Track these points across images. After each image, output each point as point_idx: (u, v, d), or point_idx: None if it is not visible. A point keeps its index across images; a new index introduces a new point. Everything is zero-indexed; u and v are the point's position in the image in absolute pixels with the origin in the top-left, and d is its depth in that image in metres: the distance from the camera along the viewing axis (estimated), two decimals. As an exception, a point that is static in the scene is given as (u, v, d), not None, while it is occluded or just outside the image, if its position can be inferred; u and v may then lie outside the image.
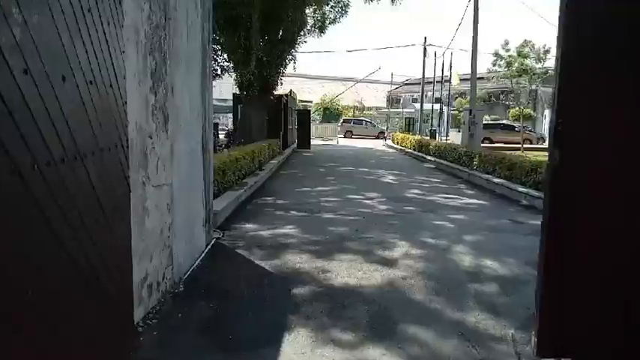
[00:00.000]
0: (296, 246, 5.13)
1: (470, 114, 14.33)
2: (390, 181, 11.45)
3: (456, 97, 44.00)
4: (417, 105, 46.16)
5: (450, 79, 30.25)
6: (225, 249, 5.01)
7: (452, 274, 4.35)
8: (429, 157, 16.59)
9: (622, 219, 2.28)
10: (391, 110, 43.03)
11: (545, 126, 43.81)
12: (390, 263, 4.56)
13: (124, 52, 2.45)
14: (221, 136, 21.69)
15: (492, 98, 50.73)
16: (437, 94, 48.83)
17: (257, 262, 4.56)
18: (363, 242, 5.37)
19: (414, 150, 20.10)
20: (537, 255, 4.85)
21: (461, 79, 32.13)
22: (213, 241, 5.14)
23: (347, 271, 4.29)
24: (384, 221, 6.57)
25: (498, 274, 4.36)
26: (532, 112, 40.68)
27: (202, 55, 4.65)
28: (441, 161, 14.85)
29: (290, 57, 18.18)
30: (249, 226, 6.09)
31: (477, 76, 50.95)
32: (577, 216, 2.39)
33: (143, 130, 2.99)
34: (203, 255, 4.61)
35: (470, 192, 9.85)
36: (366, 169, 13.69)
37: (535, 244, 5.46)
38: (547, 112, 44.78)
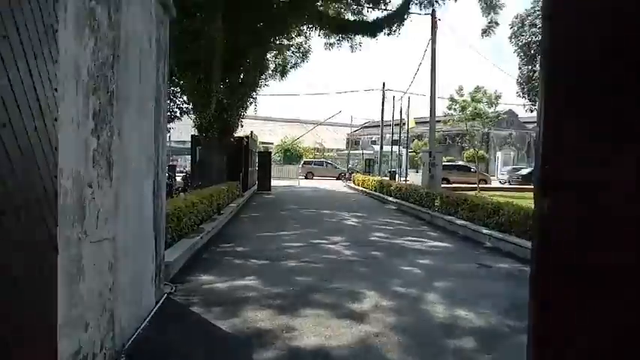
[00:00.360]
0: (257, 300, 4.72)
1: (430, 156, 14.54)
2: (353, 223, 11.23)
3: (413, 140, 45.36)
4: (376, 147, 47.10)
5: (407, 122, 31.05)
6: (178, 306, 4.53)
7: (427, 327, 4.06)
8: (390, 199, 16.59)
9: (619, 276, 2.08)
10: (351, 152, 43.59)
11: (497, 166, 45.71)
12: (360, 317, 4.23)
13: (56, 90, 2.12)
14: (178, 179, 21.01)
15: (448, 140, 52.70)
16: (395, 136, 50.19)
17: (213, 321, 4.10)
18: (330, 293, 5.02)
19: (375, 191, 20.14)
20: (510, 303, 4.65)
21: (417, 122, 33.09)
22: (163, 297, 4.65)
23: (314, 329, 3.91)
24: (350, 268, 6.26)
25: (475, 326, 4.11)
26: (485, 153, 42.45)
27: (156, 95, 4.34)
28: (403, 202, 14.86)
29: (251, 100, 18.11)
30: (204, 277, 5.62)
31: (437, 118, 52.38)
32: (568, 275, 2.16)
33: (81, 179, 2.61)
34: (151, 315, 4.11)
35: (433, 234, 9.75)
36: (328, 212, 13.45)
37: (506, 290, 5.29)
38: (499, 154, 46.86)
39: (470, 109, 26.78)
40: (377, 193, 19.30)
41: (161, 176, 4.64)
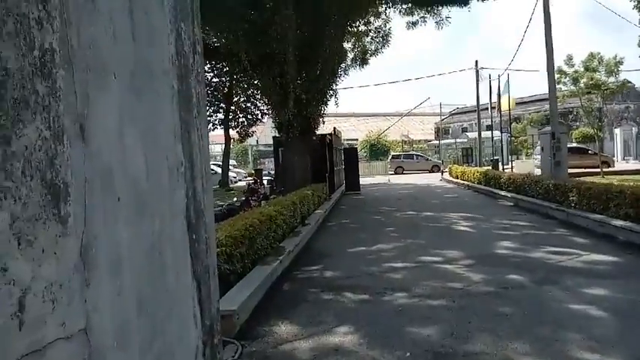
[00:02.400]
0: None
1: (552, 137, 11.81)
2: (466, 228, 9.11)
3: (511, 123, 40.86)
4: (470, 134, 43.35)
5: (509, 102, 27.46)
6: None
7: None
8: (502, 193, 14.03)
9: None
10: (442, 142, 40.40)
11: (616, 145, 39.56)
12: None
13: None
14: (265, 183, 20.13)
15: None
16: (488, 121, 45.79)
17: None
18: (470, 365, 3.15)
19: (480, 184, 17.52)
20: None
21: (517, 103, 29.39)
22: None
23: None
24: (488, 309, 4.29)
25: None
26: (598, 132, 36.92)
27: (179, 71, 2.76)
28: (520, 197, 12.29)
29: (331, 92, 16.51)
30: (283, 328, 4.03)
31: (537, 97, 47.34)
32: None
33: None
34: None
35: (581, 241, 7.34)
36: (430, 214, 11.40)
37: None
38: (617, 131, 40.50)
39: (584, 80, 22.90)
40: (483, 187, 16.70)
41: (202, 195, 3.08)
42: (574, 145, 29.66)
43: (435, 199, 15.00)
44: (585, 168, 23.87)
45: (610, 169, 25.71)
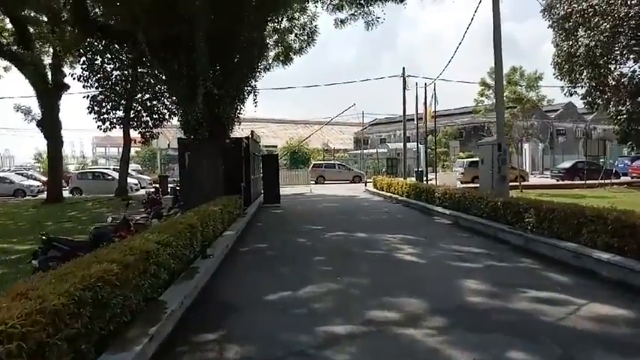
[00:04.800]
0: None
1: (499, 149, 10.57)
2: (412, 257, 7.32)
3: (427, 135, 41.35)
4: (391, 145, 43.19)
5: (426, 113, 26.92)
6: None
7: None
8: (437, 209, 12.65)
9: None
10: (364, 152, 39.59)
11: (525, 160, 41.43)
12: None
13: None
14: (173, 191, 17.20)
15: (464, 133, 48.60)
16: (408, 133, 46.03)
17: None
18: None
19: (409, 197, 16.20)
20: None
21: (435, 116, 29.06)
22: None
23: None
24: None
25: None
26: (509, 146, 38.13)
27: None
28: (460, 215, 10.92)
29: (248, 89, 14.23)
30: None
31: (450, 112, 48.40)
32: None
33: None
34: None
35: (561, 279, 5.83)
36: (364, 235, 9.56)
37: None
38: (526, 146, 42.49)
39: (506, 93, 23.00)
40: (413, 201, 15.34)
41: None
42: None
43: (364, 215, 13.28)
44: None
45: (525, 182, 26.10)
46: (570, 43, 25.82)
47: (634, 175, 29.13)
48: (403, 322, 4.29)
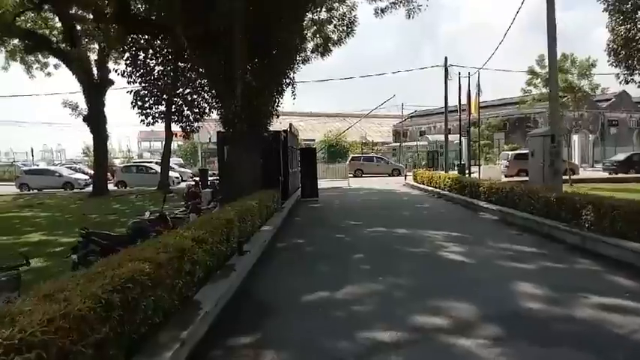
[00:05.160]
0: None
1: (552, 141, 9.87)
2: (459, 256, 6.88)
3: (469, 127, 40.03)
4: (430, 137, 42.09)
5: (470, 104, 25.90)
6: None
7: None
8: (482, 204, 12.04)
9: None
10: (403, 144, 38.77)
11: (574, 153, 39.35)
12: None
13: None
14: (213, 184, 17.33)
15: (508, 125, 46.67)
16: (450, 125, 44.60)
17: None
18: None
19: (451, 191, 15.59)
20: None
21: (481, 107, 27.89)
22: None
23: None
24: None
25: None
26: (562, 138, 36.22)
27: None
28: (508, 210, 10.31)
29: (287, 81, 14.00)
30: None
31: (493, 103, 46.68)
32: None
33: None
34: None
35: (627, 283, 5.27)
36: (405, 231, 9.18)
37: None
38: (575, 138, 40.32)
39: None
40: (456, 195, 14.74)
41: None
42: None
43: (405, 210, 12.84)
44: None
45: (575, 176, 24.71)
46: (628, 26, 24.12)
47: (698, 168, 27.04)
48: (453, 329, 3.93)
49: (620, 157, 27.28)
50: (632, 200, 6.93)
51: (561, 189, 9.82)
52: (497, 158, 30.61)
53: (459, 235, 8.51)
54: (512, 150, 30.45)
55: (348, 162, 32.67)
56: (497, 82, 55.34)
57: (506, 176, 23.79)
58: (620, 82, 27.04)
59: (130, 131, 74.13)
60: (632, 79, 25.83)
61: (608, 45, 25.97)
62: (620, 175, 24.93)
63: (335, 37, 19.75)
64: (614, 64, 26.16)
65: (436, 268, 6.23)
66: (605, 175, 26.88)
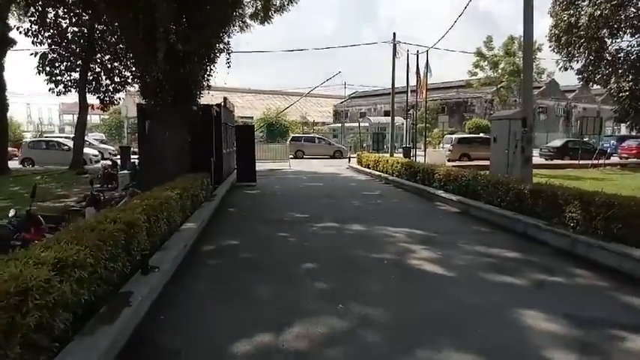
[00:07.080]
0: None
1: (524, 125, 8.80)
2: (436, 269, 5.50)
3: (408, 110, 39.66)
4: (373, 119, 41.25)
5: (418, 83, 24.98)
6: None
7: None
8: (439, 193, 10.91)
9: None
10: (346, 125, 37.58)
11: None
12: None
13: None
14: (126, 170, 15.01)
15: (446, 109, 47.00)
16: (387, 107, 44.04)
17: None
18: None
19: (400, 177, 14.47)
20: None
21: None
22: None
23: None
24: None
25: None
26: (489, 123, 36.91)
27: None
28: (471, 202, 9.21)
29: (221, 46, 11.97)
30: None
31: (437, 85, 46.48)
32: None
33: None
34: None
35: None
36: (360, 227, 7.75)
37: None
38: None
39: (501, 66, 21.22)
40: (407, 182, 13.59)
41: None
42: (482, 135, 28.52)
43: (355, 199, 11.44)
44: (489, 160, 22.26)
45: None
46: (571, 12, 24.15)
47: (623, 155, 28.11)
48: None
49: (557, 143, 27.74)
50: (631, 197, 5.89)
51: (532, 179, 8.84)
52: (439, 142, 30.27)
53: (423, 234, 7.20)
54: (451, 134, 30.17)
55: (288, 142, 30.94)
56: (435, 66, 55.47)
57: (449, 160, 23.24)
58: (560, 69, 27.35)
59: (53, 102, 67.22)
60: (571, 66, 26.15)
61: (550, 30, 26.02)
62: (556, 162, 25.26)
63: (277, 3, 17.84)
64: (555, 49, 26.31)
65: (412, 287, 4.81)
66: (542, 161, 27.25)
